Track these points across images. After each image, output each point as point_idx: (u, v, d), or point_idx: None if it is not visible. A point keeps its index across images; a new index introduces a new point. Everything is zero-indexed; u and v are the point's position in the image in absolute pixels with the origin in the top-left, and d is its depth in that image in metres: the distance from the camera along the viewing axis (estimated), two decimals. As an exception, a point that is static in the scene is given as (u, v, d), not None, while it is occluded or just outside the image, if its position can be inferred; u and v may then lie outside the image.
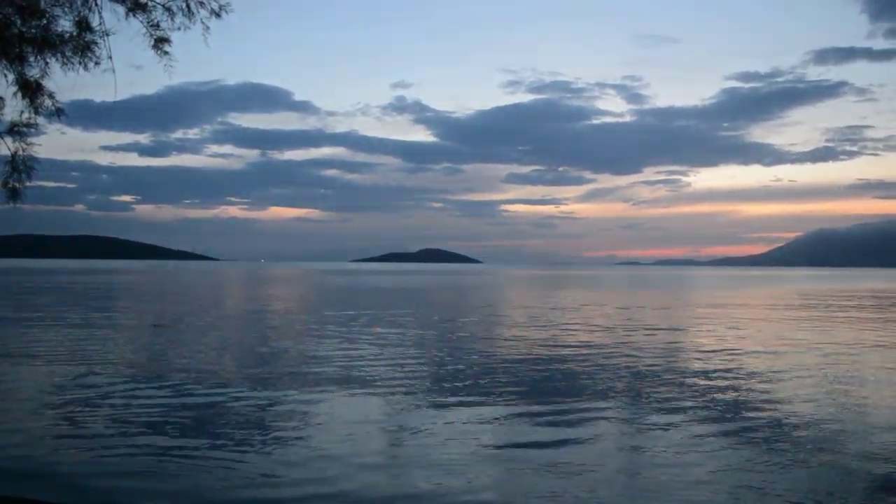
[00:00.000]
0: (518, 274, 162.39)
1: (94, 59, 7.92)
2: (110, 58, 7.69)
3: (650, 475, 9.06)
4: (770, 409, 12.94)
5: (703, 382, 15.72)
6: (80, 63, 7.84)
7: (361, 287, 74.74)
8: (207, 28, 7.86)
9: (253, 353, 19.89)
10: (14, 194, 8.69)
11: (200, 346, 21.35)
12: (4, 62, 8.44)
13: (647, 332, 27.17)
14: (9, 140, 8.62)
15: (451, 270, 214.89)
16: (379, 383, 15.29)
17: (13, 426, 11.22)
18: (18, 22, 7.84)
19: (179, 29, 7.76)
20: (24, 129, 8.75)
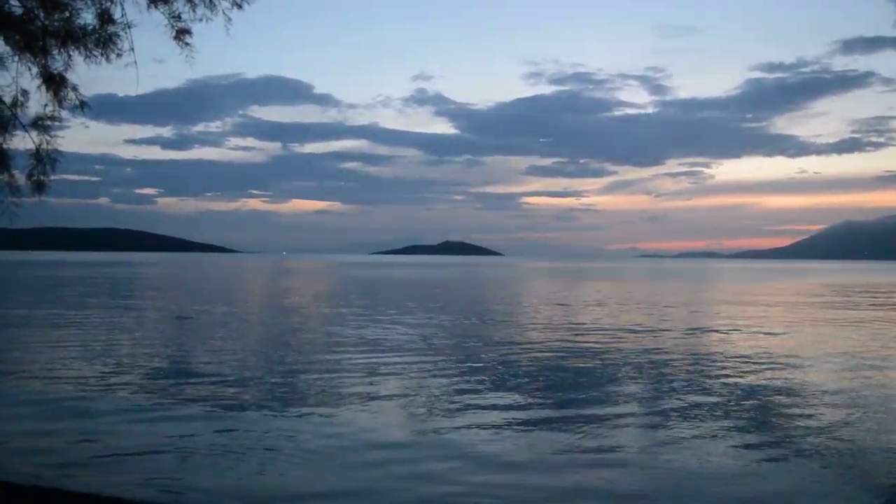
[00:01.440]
0: (540, 267, 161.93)
1: (117, 51, 7.91)
2: (132, 50, 7.68)
3: (672, 474, 8.95)
4: (809, 417, 12.74)
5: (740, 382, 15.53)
6: (102, 55, 7.83)
7: (383, 280, 74.93)
8: (229, 19, 7.82)
9: (284, 347, 19.96)
10: (39, 187, 8.72)
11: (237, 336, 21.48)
12: (28, 55, 8.46)
13: (680, 331, 26.84)
14: (34, 133, 8.64)
15: (472, 263, 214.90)
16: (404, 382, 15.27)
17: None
18: (42, 15, 7.84)
19: (201, 20, 7.73)
20: (49, 123, 8.77)
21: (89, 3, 7.71)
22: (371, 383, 14.45)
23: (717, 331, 25.29)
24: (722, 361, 17.74)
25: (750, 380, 15.15)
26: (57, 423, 11.02)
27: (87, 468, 8.76)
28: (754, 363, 17.46)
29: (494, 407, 12.44)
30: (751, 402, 12.98)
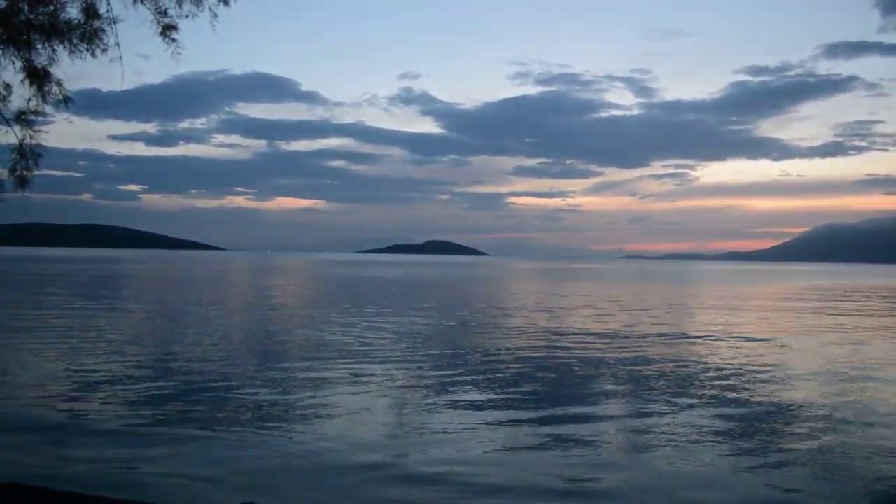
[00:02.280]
0: (524, 267, 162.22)
1: (102, 46, 7.85)
2: (118, 45, 7.63)
3: (656, 470, 9.01)
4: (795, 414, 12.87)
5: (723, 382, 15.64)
6: (87, 50, 7.78)
7: (368, 278, 74.78)
8: (216, 15, 7.77)
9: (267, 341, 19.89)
10: (22, 182, 8.64)
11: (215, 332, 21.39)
12: (12, 49, 8.38)
13: (662, 335, 27.00)
14: (16, 128, 8.57)
15: (458, 263, 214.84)
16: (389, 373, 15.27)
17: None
18: (26, 9, 7.78)
19: (187, 16, 7.68)
20: (32, 117, 8.69)
21: (75, -4, 7.66)
22: (352, 392, 14.39)
23: (702, 335, 25.47)
24: (708, 365, 17.88)
25: (735, 383, 15.28)
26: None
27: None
28: (739, 367, 17.62)
29: (477, 409, 12.48)
30: (737, 405, 13.09)
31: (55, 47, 8.31)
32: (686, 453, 9.69)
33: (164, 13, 7.44)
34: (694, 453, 9.69)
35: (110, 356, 16.96)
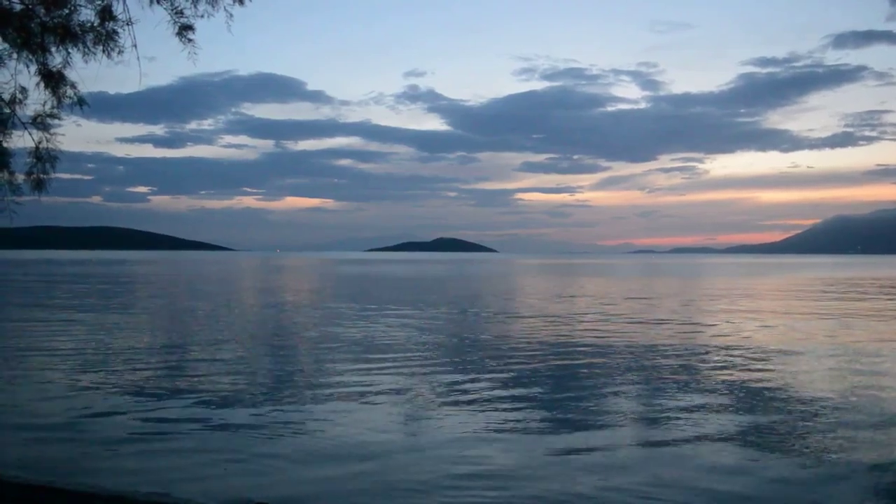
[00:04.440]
0: (533, 263, 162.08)
1: (118, 49, 7.85)
2: (135, 46, 7.62)
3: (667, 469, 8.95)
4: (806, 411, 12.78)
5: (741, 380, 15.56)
6: (103, 52, 7.78)
7: (379, 276, 74.88)
8: (231, 15, 7.76)
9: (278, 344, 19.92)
10: (39, 185, 8.66)
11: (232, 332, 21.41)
12: (26, 53, 8.39)
13: (674, 329, 26.93)
14: (33, 131, 8.58)
15: (468, 260, 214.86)
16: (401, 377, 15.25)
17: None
18: (42, 12, 7.78)
19: (203, 16, 7.68)
20: (48, 121, 8.70)
21: (89, -1, 7.65)
22: (363, 387, 14.41)
23: (711, 326, 25.35)
24: (717, 358, 17.79)
25: (746, 378, 15.17)
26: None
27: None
28: (749, 360, 17.51)
29: (486, 403, 12.44)
30: (747, 399, 13.00)
31: (69, 50, 8.32)
32: (698, 450, 9.63)
33: (181, 13, 7.44)
34: (706, 450, 9.63)
35: (128, 353, 17.01)
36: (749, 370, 15.74)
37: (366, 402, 12.41)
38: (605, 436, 10.35)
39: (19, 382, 14.12)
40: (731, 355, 17.87)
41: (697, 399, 12.67)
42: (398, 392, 13.30)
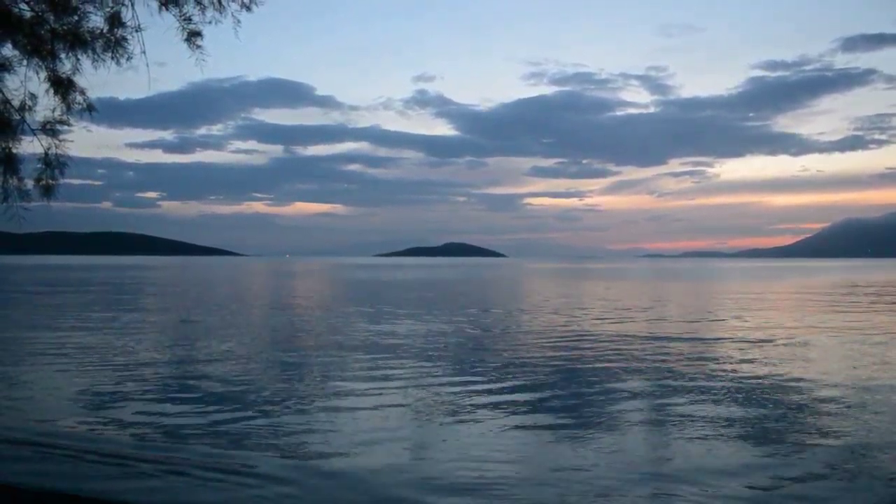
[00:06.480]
0: (543, 268, 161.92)
1: (127, 55, 7.87)
2: (144, 52, 7.64)
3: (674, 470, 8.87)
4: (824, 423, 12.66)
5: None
6: (112, 58, 7.80)
7: (388, 281, 74.90)
8: (238, 21, 7.78)
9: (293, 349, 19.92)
10: (48, 191, 8.69)
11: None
12: (36, 59, 8.42)
13: (684, 334, 26.81)
14: (42, 137, 8.60)
15: (477, 264, 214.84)
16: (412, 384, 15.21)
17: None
18: (51, 18, 7.80)
19: (210, 22, 7.69)
20: (57, 127, 8.74)
21: (98, 6, 7.67)
22: (378, 391, 14.40)
23: (721, 331, 25.20)
24: (726, 362, 17.67)
25: (755, 383, 15.05)
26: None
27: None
28: (759, 364, 17.37)
29: (496, 408, 12.38)
30: (756, 403, 12.90)
31: (79, 56, 8.35)
32: (706, 454, 9.54)
33: (189, 20, 7.45)
34: (713, 453, 9.54)
35: (144, 354, 17.05)
36: (767, 377, 15.61)
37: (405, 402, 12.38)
38: (614, 441, 10.29)
39: (31, 386, 14.17)
40: (754, 362, 17.72)
41: (712, 409, 12.55)
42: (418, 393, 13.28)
